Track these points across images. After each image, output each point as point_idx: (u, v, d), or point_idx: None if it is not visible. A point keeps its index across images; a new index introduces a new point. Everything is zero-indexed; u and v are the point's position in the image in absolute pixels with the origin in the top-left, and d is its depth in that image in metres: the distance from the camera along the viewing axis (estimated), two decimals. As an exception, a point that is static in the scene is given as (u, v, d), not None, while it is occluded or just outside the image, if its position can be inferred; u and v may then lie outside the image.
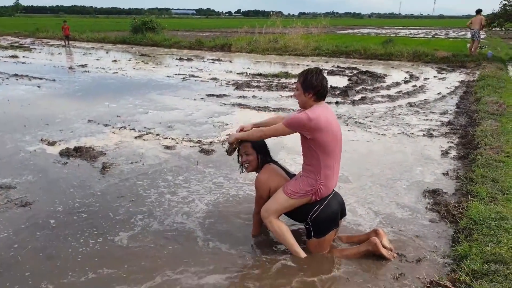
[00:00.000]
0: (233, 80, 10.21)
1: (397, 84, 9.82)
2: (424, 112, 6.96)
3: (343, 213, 2.83)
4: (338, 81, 10.14)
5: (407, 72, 12.13)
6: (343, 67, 13.15)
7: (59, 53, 17.53)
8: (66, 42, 21.95)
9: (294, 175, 2.83)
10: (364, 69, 12.33)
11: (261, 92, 8.79)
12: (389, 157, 4.73)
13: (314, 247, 2.70)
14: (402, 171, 4.27)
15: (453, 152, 4.87)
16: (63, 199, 3.54)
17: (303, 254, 2.66)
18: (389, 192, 3.76)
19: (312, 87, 2.53)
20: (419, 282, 2.46)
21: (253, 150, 2.87)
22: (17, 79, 10.02)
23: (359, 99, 8.00)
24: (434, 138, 5.46)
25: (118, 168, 4.26)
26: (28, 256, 2.70)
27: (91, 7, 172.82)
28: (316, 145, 2.53)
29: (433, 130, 5.84)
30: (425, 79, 10.78)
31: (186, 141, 5.26)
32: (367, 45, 17.24)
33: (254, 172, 2.97)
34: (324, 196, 2.62)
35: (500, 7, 15.02)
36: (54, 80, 9.98)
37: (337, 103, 7.67)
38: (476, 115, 6.30)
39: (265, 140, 2.94)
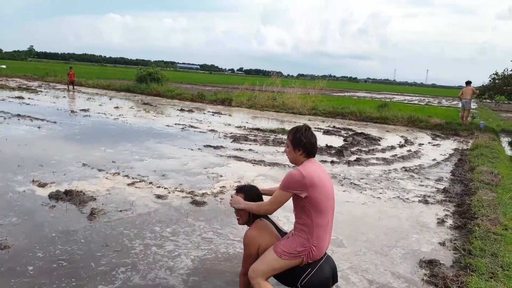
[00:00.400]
0: (231, 133, 10.34)
1: (392, 147, 9.95)
2: (419, 178, 6.98)
3: (334, 279, 2.67)
4: (333, 141, 10.28)
5: (402, 136, 12.35)
6: (339, 128, 13.40)
7: (64, 97, 17.91)
8: (71, 87, 22.51)
9: (286, 233, 2.73)
10: (359, 131, 12.55)
11: (258, 146, 8.86)
12: (385, 222, 4.64)
13: None
14: (397, 238, 4.16)
15: (450, 221, 4.80)
16: (44, 244, 3.39)
17: None
18: (384, 260, 3.63)
19: (302, 144, 2.53)
20: None
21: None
22: (19, 119, 10.11)
23: (355, 160, 8.05)
24: (429, 205, 5.41)
25: (106, 215, 4.14)
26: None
27: (100, 56, 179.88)
28: (309, 203, 2.45)
29: (429, 196, 5.81)
30: (420, 144, 10.95)
31: (178, 191, 5.18)
32: (362, 108, 17.74)
33: (245, 228, 2.87)
34: (316, 258, 2.50)
35: (490, 80, 15.74)
36: (55, 122, 10.07)
37: (332, 162, 7.70)
38: (471, 184, 6.30)
39: (259, 190, 2.89)
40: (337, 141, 10.32)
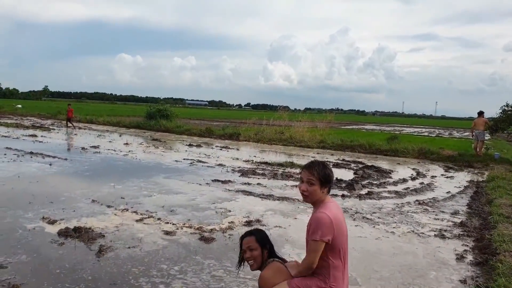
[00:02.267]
0: (239, 167, 10.32)
1: (404, 180, 9.80)
2: (434, 211, 6.80)
3: None
4: (344, 174, 10.18)
5: (413, 168, 12.20)
6: (348, 161, 13.31)
7: (75, 134, 18.24)
8: (70, 124, 22.22)
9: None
10: (369, 164, 12.44)
11: (266, 180, 8.80)
12: (399, 259, 4.48)
13: None
14: (414, 276, 4.00)
15: (470, 257, 4.60)
16: (52, 283, 3.33)
17: None
18: (401, 298, 3.47)
19: (330, 180, 2.44)
20: None
21: (257, 244, 2.71)
22: (31, 157, 10.27)
23: (366, 194, 7.92)
24: (447, 240, 5.22)
25: (114, 252, 4.08)
26: None
27: (111, 94, 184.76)
28: (327, 247, 2.36)
29: (445, 230, 5.63)
30: (433, 176, 10.77)
31: (186, 227, 5.11)
32: (372, 141, 17.69)
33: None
34: None
35: (501, 112, 15.62)
36: (66, 159, 10.19)
37: (343, 196, 7.58)
38: (490, 218, 6.10)
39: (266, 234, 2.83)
40: (347, 174, 10.22)
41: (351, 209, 6.62)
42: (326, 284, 2.38)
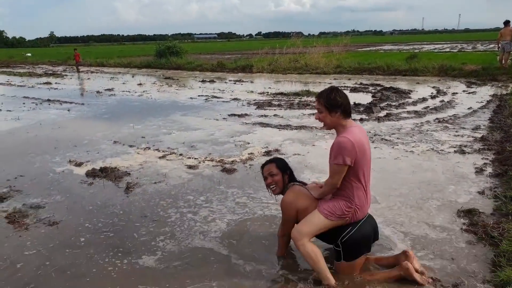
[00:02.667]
0: (254, 100, 10.25)
1: (424, 99, 9.58)
2: (454, 128, 6.71)
3: (375, 237, 2.70)
4: (361, 98, 9.99)
5: (433, 87, 11.84)
6: (366, 84, 13.00)
7: (88, 79, 18.25)
8: (77, 68, 23.08)
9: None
10: (388, 86, 12.13)
11: (283, 110, 8.76)
12: (418, 176, 4.53)
13: (343, 269, 2.58)
14: (433, 191, 4.07)
15: (489, 169, 4.62)
16: (88, 218, 3.57)
17: (333, 281, 2.49)
18: (419, 213, 3.57)
19: (338, 105, 2.43)
20: (458, 309, 2.27)
21: (278, 170, 2.79)
22: (49, 104, 10.44)
23: (385, 116, 7.83)
24: (466, 155, 5.21)
25: (141, 188, 4.28)
26: (55, 274, 2.72)
27: (119, 35, 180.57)
28: (350, 170, 2.42)
29: (465, 146, 5.59)
30: (454, 93, 10.47)
31: (208, 160, 5.25)
32: (390, 61, 17.04)
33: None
34: (359, 218, 2.52)
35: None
36: (82, 104, 10.34)
37: (361, 120, 7.52)
38: None
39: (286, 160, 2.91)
40: (365, 98, 10.03)
41: (369, 132, 6.59)
42: (352, 204, 2.48)
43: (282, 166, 2.81)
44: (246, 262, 2.82)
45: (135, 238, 3.20)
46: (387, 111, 8.28)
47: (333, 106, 2.43)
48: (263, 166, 2.88)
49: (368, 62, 17.51)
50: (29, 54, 40.11)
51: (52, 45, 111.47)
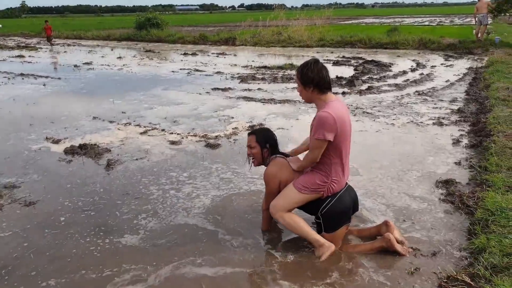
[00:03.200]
0: (237, 74, 10.11)
1: (404, 72, 9.63)
2: (432, 100, 6.80)
3: (355, 208, 2.73)
4: (344, 71, 9.98)
5: (413, 60, 11.91)
6: (348, 57, 12.96)
7: (65, 52, 17.56)
8: (50, 42, 20.86)
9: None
10: (369, 59, 12.13)
11: (267, 84, 8.67)
12: (399, 148, 4.61)
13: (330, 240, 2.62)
14: (413, 162, 4.15)
15: (465, 141, 4.73)
16: (67, 197, 3.50)
17: (323, 240, 2.53)
18: (400, 184, 3.64)
19: (310, 80, 2.39)
20: (435, 277, 2.36)
21: (256, 143, 2.79)
22: (23, 79, 10.03)
23: (366, 89, 7.86)
24: (444, 127, 5.31)
25: (123, 165, 4.21)
26: (34, 256, 2.66)
27: (96, 6, 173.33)
28: (330, 146, 2.42)
29: (443, 118, 5.69)
30: (432, 66, 10.57)
31: (191, 135, 5.19)
32: (371, 35, 17.00)
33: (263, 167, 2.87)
34: (336, 191, 2.55)
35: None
36: (59, 78, 9.97)
37: (343, 93, 7.53)
38: (487, 102, 6.13)
39: (272, 132, 2.91)
40: (347, 71, 10.02)
41: (351, 105, 6.62)
42: (328, 179, 2.49)
43: (262, 139, 2.79)
44: (233, 237, 2.83)
45: (117, 217, 3.16)
46: (369, 84, 8.31)
47: (306, 81, 2.40)
48: (248, 135, 2.90)
49: (350, 35, 17.40)
50: (0, 26, 38.10)
51: (24, 15, 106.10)
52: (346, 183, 2.64)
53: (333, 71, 10.11)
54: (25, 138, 5.18)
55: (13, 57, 15.20)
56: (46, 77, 10.21)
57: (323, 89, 2.42)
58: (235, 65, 11.90)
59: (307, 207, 2.64)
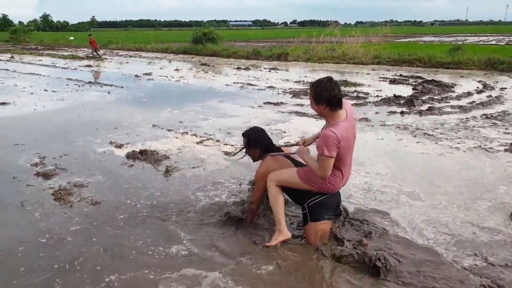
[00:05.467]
0: (290, 88, 10.13)
1: (469, 94, 9.10)
2: (503, 125, 6.33)
3: (337, 210, 2.99)
4: (401, 90, 9.64)
5: (479, 81, 11.22)
6: (406, 76, 12.52)
7: (127, 62, 18.67)
8: (95, 54, 21.40)
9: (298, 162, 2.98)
10: (429, 78, 11.63)
11: (320, 101, 8.57)
12: (465, 174, 4.30)
13: (310, 231, 2.83)
14: (482, 191, 3.84)
15: (543, 170, 4.32)
16: (128, 199, 3.64)
17: (284, 227, 2.80)
18: (467, 214, 3.38)
19: (323, 98, 2.53)
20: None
21: (247, 144, 3.16)
22: (90, 86, 10.79)
23: (427, 109, 7.50)
24: (517, 154, 4.90)
25: (180, 172, 4.33)
26: (99, 252, 2.79)
27: (156, 20, 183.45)
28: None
29: (516, 145, 5.26)
30: (502, 89, 9.87)
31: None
32: (432, 53, 16.33)
33: None
34: (329, 192, 2.78)
35: None
36: (122, 87, 10.59)
37: (402, 113, 7.25)
38: None
39: (264, 132, 3.23)
40: (405, 90, 9.67)
41: (411, 125, 6.34)
42: (325, 181, 2.71)
43: (253, 141, 3.11)
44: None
45: (174, 222, 3.23)
46: (429, 105, 7.93)
47: (318, 99, 2.55)
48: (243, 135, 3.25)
49: (408, 53, 16.85)
50: (72, 38, 41.54)
51: (92, 29, 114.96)
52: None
53: (390, 90, 9.80)
54: (92, 141, 5.51)
55: (83, 66, 16.45)
56: (111, 85, 10.89)
57: (335, 107, 2.56)
58: (287, 80, 11.95)
59: (297, 198, 2.95)
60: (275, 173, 2.86)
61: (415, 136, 5.74)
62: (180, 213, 3.38)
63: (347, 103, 2.69)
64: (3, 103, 8.12)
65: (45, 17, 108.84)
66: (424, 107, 7.79)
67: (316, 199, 2.77)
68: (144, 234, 3.04)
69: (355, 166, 4.47)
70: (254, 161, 3.26)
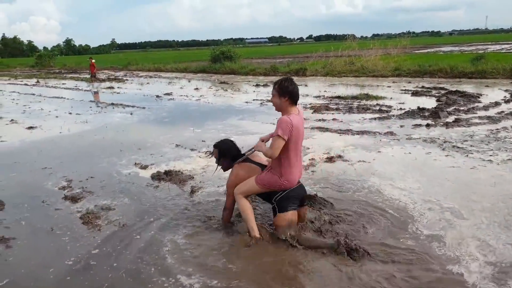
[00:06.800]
0: (310, 104, 10.07)
1: (497, 104, 8.82)
2: (537, 135, 6.06)
3: (302, 202, 3.27)
4: (425, 102, 9.44)
5: (506, 90, 10.90)
6: (428, 88, 12.29)
7: (148, 83, 19.07)
8: (94, 79, 20.73)
9: (265, 166, 3.32)
10: (453, 89, 11.38)
11: (341, 114, 8.48)
12: (502, 188, 4.09)
13: (279, 221, 3.16)
14: (522, 205, 3.64)
15: None
16: (155, 221, 3.61)
17: (256, 232, 3.15)
18: (509, 234, 3.16)
19: (287, 91, 2.99)
20: None
21: (217, 155, 3.50)
22: (113, 107, 11.02)
23: (453, 121, 7.29)
24: (557, 166, 4.65)
25: (206, 192, 4.29)
26: (124, 278, 2.75)
27: (173, 40, 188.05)
28: (282, 149, 2.97)
29: (554, 156, 5.00)
30: (531, 97, 9.54)
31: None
32: (453, 63, 16.01)
33: None
34: (287, 188, 3.13)
35: None
36: (144, 108, 10.76)
37: (428, 125, 7.06)
38: None
39: (232, 142, 3.59)
40: (429, 102, 9.46)
41: (438, 138, 6.15)
42: (280, 180, 3.09)
43: (221, 151, 3.49)
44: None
45: (206, 246, 3.17)
46: (456, 116, 7.72)
47: (283, 92, 2.99)
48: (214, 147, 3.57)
49: (429, 64, 16.58)
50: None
51: (112, 51, 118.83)
52: (299, 182, 3.23)
53: (413, 102, 9.61)
54: (117, 163, 5.56)
55: (104, 88, 16.88)
56: (133, 106, 11.09)
57: (294, 102, 3.04)
58: (307, 95, 11.90)
59: (265, 197, 3.31)
60: (238, 187, 3.23)
61: (443, 149, 5.55)
62: (210, 235, 3.32)
63: (299, 106, 3.17)
64: (31, 127, 8.36)
65: (68, 42, 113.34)
66: (450, 118, 7.57)
67: (281, 194, 3.15)
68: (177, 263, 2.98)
69: (386, 180, 4.35)
70: (224, 170, 3.57)
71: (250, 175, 3.27)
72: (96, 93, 15.49)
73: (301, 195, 3.26)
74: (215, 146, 3.55)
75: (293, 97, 3.02)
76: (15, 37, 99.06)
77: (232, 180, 3.33)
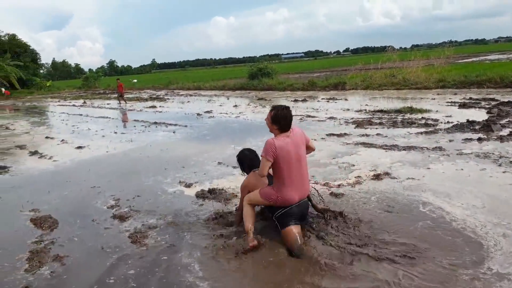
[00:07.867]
0: (352, 118, 9.85)
1: (557, 114, 8.18)
2: None
3: (303, 219, 3.48)
4: (474, 115, 8.95)
5: None
6: (476, 99, 11.67)
7: (188, 102, 19.61)
8: (122, 100, 19.92)
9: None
10: (505, 100, 10.73)
11: (386, 129, 8.21)
12: None
13: (285, 236, 3.31)
14: None
15: None
16: (204, 242, 3.60)
17: (251, 236, 3.34)
18: None
19: (278, 122, 3.31)
20: None
21: (238, 163, 4.06)
22: (156, 126, 11.37)
23: (508, 135, 6.83)
24: None
25: (250, 212, 4.24)
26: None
27: (211, 59, 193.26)
28: (274, 169, 3.32)
29: None
30: None
31: (312, 183, 5.03)
32: (503, 72, 15.14)
33: None
34: (285, 205, 3.34)
35: None
36: (186, 126, 11.02)
37: (479, 139, 6.65)
38: None
39: (252, 154, 3.99)
40: (479, 115, 8.96)
41: (493, 153, 5.77)
42: (276, 194, 3.35)
43: (238, 160, 4.03)
44: None
45: (255, 264, 3.12)
46: (510, 129, 7.23)
47: (275, 121, 3.33)
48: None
49: (476, 74, 15.80)
50: (135, 81, 44.96)
51: (153, 71, 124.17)
52: (301, 201, 3.39)
53: (461, 115, 9.15)
54: (162, 181, 5.67)
55: (147, 107, 17.53)
56: (175, 124, 11.40)
57: (283, 130, 3.34)
58: (348, 109, 11.68)
59: (269, 210, 3.55)
60: (249, 194, 3.55)
61: (500, 165, 5.18)
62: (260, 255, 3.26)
63: (296, 128, 3.45)
64: (80, 147, 8.78)
65: (111, 63, 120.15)
66: (505, 132, 7.10)
67: (280, 211, 3.37)
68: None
69: (443, 198, 4.10)
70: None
71: (257, 184, 3.59)
72: (124, 114, 15.87)
73: (301, 213, 3.44)
74: (238, 160, 4.04)
75: (282, 128, 3.32)
76: (63, 61, 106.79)
77: (244, 185, 3.74)
